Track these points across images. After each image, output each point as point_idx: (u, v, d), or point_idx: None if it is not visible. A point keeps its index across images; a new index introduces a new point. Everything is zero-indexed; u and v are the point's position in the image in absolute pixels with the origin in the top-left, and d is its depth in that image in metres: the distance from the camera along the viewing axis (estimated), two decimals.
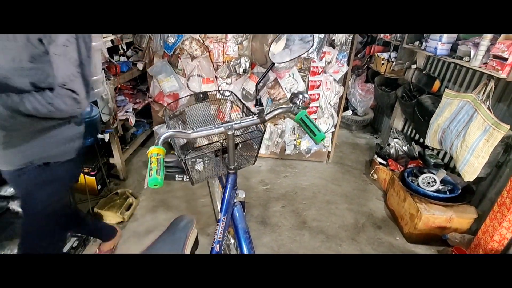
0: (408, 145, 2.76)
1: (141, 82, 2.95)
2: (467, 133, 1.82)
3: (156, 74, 2.66)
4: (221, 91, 1.34)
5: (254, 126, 1.04)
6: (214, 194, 1.85)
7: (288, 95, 2.78)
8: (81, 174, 2.25)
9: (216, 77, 2.70)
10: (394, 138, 2.78)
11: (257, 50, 2.46)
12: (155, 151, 0.80)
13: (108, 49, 2.28)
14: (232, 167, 1.10)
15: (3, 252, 1.62)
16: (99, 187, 2.35)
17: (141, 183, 2.57)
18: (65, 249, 1.79)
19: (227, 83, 2.71)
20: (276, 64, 0.99)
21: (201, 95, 1.30)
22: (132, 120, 2.52)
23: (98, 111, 1.94)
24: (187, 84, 2.73)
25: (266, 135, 2.89)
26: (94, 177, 2.28)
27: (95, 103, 2.06)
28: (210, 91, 1.30)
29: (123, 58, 2.54)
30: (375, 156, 2.84)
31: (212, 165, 1.17)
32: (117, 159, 2.50)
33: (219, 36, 2.51)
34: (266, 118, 1.01)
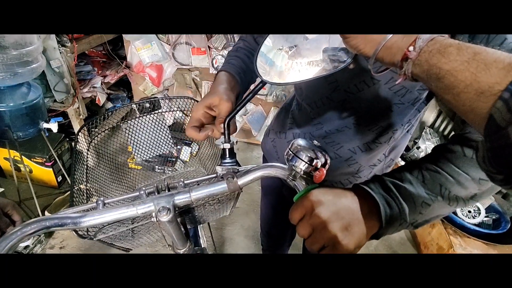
0: None
1: (119, 47, 2.39)
2: None
3: (133, 40, 2.11)
4: (178, 98, 0.83)
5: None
6: None
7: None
8: (33, 165, 1.84)
9: (209, 47, 2.14)
10: (426, 140, 2.23)
11: None
12: None
13: None
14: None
15: None
16: (60, 179, 1.94)
17: None
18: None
19: (222, 56, 2.15)
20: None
21: (148, 104, 0.80)
22: (101, 98, 2.02)
23: (39, 92, 1.46)
24: (173, 53, 2.18)
25: (268, 120, 2.38)
26: (51, 169, 1.86)
27: (42, 81, 1.57)
28: (164, 97, 0.79)
29: None
30: (398, 159, 2.32)
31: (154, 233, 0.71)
32: (82, 144, 2.06)
33: None
34: (240, 183, 0.53)
